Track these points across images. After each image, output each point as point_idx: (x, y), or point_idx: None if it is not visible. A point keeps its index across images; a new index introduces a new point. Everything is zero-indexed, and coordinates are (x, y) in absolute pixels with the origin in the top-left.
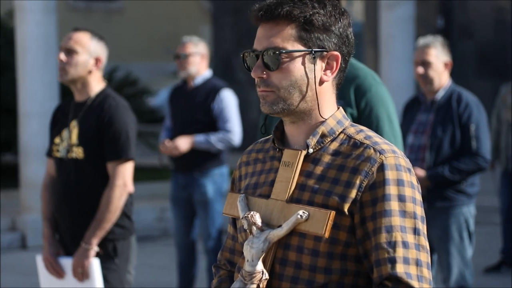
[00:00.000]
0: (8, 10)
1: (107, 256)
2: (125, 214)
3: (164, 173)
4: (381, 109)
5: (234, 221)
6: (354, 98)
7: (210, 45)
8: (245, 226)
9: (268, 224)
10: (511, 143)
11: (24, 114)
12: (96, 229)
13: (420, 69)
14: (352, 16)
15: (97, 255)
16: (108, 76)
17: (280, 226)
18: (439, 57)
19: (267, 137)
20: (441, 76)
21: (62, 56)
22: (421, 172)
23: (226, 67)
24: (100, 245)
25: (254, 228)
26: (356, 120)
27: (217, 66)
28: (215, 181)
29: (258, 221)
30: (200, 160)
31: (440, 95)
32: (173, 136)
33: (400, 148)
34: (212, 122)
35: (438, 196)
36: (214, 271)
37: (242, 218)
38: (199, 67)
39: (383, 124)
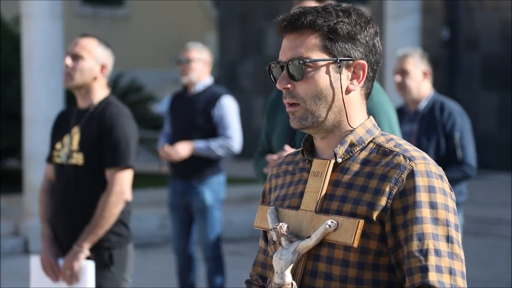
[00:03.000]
0: (15, 16)
1: (103, 264)
2: (122, 222)
3: (167, 179)
4: (383, 118)
5: (265, 234)
6: None
7: (216, 53)
8: (274, 238)
9: (298, 236)
10: None
11: (29, 120)
12: (89, 233)
13: (398, 77)
14: None
15: (90, 259)
16: (113, 82)
17: (309, 237)
18: (417, 65)
19: (297, 149)
20: (420, 85)
21: (68, 61)
22: None
23: (231, 75)
24: (96, 253)
25: (283, 239)
26: None
27: (222, 74)
28: (213, 189)
29: (287, 232)
30: (199, 167)
31: (423, 105)
32: (172, 142)
33: None
34: (212, 128)
35: None
36: (246, 287)
37: (271, 230)
38: (201, 73)
39: None
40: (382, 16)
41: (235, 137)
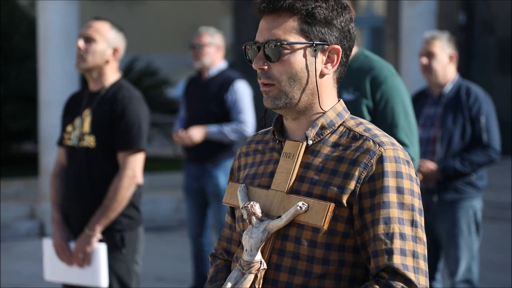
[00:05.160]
0: None
1: (114, 246)
2: (133, 205)
3: (182, 163)
4: (397, 101)
5: (233, 210)
6: (370, 89)
7: (231, 37)
8: (245, 216)
9: (267, 215)
10: None
11: (45, 103)
12: (101, 216)
13: (424, 59)
14: (374, 11)
15: (102, 242)
16: (129, 66)
17: (279, 216)
18: (444, 49)
19: (267, 128)
20: (445, 69)
21: (81, 43)
22: (432, 165)
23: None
24: (108, 235)
25: (253, 218)
26: (372, 111)
27: (237, 58)
28: (227, 173)
29: (258, 211)
30: (213, 151)
31: (448, 88)
32: (187, 126)
33: (415, 140)
34: (225, 113)
35: (448, 189)
36: (211, 260)
37: (241, 208)
38: (214, 58)
39: (398, 116)
40: (398, 0)
41: (248, 122)
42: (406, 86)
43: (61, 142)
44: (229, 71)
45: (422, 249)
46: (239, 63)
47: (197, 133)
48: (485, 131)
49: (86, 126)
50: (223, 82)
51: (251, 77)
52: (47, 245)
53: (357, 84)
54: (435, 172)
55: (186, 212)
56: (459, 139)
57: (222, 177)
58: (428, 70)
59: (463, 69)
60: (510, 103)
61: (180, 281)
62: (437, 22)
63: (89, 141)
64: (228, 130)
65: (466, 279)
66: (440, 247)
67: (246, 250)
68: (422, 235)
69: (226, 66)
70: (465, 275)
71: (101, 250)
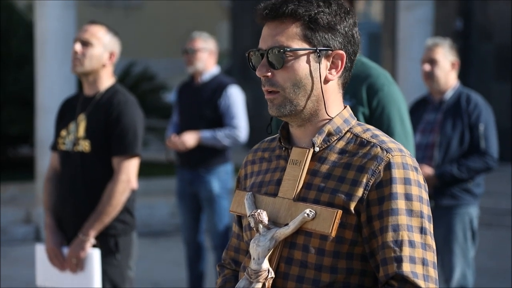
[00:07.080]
0: (28, 3)
1: (108, 251)
2: (127, 210)
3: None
4: (393, 109)
5: (240, 219)
6: (366, 97)
7: (229, 43)
8: (252, 224)
9: (274, 223)
10: None
11: (42, 108)
12: (95, 221)
13: (427, 66)
14: (371, 16)
15: (96, 247)
16: (126, 71)
17: (286, 224)
18: (446, 56)
19: (273, 136)
20: (447, 76)
21: (78, 47)
22: (429, 170)
23: (244, 65)
24: (102, 240)
25: (260, 226)
26: (368, 119)
27: (235, 63)
28: (220, 178)
29: (265, 219)
30: (206, 157)
31: (448, 95)
32: (180, 131)
33: (411, 149)
34: (218, 118)
35: (445, 195)
36: (219, 270)
37: (248, 216)
38: (207, 63)
39: (395, 124)
40: (396, 6)
41: (241, 127)
42: (403, 94)
43: (54, 147)
44: (222, 76)
45: (431, 257)
46: (237, 68)
47: (190, 138)
48: (483, 139)
49: (81, 131)
50: (216, 87)
51: (247, 83)
52: (40, 250)
53: (353, 91)
54: (432, 177)
55: (180, 217)
56: (457, 146)
57: (215, 182)
58: (430, 77)
59: (460, 76)
60: (508, 110)
61: (176, 286)
62: (434, 29)
63: (84, 145)
64: (221, 136)
65: (461, 286)
66: (437, 253)
67: (254, 258)
68: (432, 242)
69: (219, 71)
70: (460, 282)
71: (94, 255)
